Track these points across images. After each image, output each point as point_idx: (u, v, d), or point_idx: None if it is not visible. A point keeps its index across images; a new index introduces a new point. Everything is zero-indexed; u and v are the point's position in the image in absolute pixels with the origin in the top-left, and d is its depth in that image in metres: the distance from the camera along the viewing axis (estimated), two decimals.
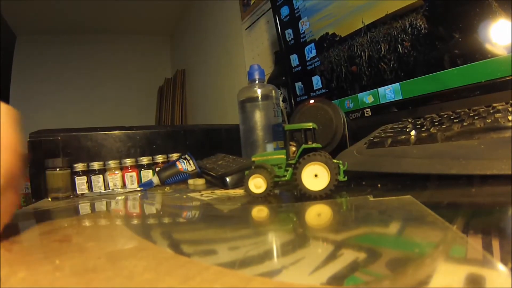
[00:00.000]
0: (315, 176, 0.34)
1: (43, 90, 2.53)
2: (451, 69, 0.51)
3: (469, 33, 0.49)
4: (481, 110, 0.42)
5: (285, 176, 0.39)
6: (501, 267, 0.15)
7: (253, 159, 0.42)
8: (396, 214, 0.27)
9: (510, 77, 0.46)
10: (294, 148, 0.40)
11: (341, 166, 0.36)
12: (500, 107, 0.40)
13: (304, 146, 0.37)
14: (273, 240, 0.25)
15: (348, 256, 0.18)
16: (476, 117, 0.39)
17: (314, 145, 0.37)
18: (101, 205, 0.51)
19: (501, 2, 0.46)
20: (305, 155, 0.36)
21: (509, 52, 0.45)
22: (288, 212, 0.34)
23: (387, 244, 0.21)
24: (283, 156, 0.40)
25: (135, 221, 0.38)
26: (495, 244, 0.18)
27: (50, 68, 2.58)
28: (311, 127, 0.38)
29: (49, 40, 2.58)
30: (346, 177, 0.36)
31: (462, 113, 0.44)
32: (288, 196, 0.42)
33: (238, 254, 0.21)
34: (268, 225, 0.31)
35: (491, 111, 0.39)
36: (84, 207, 0.50)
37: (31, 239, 0.29)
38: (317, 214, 0.31)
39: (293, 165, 0.38)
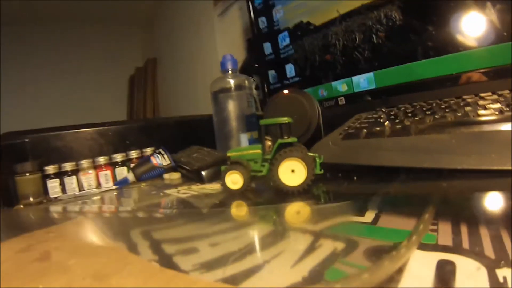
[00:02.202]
0: (292, 172, 0.34)
1: (4, 85, 2.34)
2: (424, 60, 0.52)
3: (442, 26, 0.50)
4: (451, 102, 0.43)
5: (261, 171, 0.38)
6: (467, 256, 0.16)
7: (228, 154, 0.42)
8: None
9: (480, 70, 0.47)
10: (269, 143, 0.39)
11: (317, 160, 0.35)
12: (470, 100, 0.41)
13: (280, 141, 0.37)
14: (254, 236, 0.25)
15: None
16: (447, 110, 0.40)
17: (290, 139, 0.37)
18: (76, 209, 0.48)
19: None
20: (281, 150, 0.35)
21: (480, 45, 0.47)
22: (267, 209, 0.33)
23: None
24: (259, 151, 0.39)
25: (114, 227, 0.36)
26: (464, 236, 0.19)
27: (11, 60, 2.39)
28: (287, 121, 0.38)
29: (11, 31, 2.38)
30: (322, 170, 0.35)
31: (434, 104, 0.45)
32: (265, 190, 0.41)
33: (220, 251, 0.22)
34: (248, 221, 0.31)
35: (461, 104, 0.40)
36: (59, 213, 0.47)
37: (8, 260, 0.26)
38: (296, 211, 0.31)
39: (269, 161, 0.37)
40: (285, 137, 0.37)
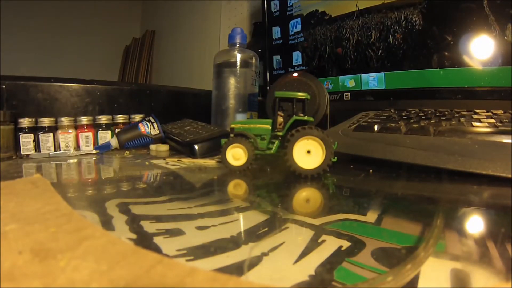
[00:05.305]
0: (308, 153, 0.31)
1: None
2: (438, 69, 0.51)
3: (461, 39, 0.49)
4: (463, 113, 0.43)
5: (270, 149, 0.35)
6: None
7: (232, 126, 0.38)
8: None
9: (491, 88, 0.47)
10: (281, 119, 0.36)
11: (333, 146, 0.33)
12: (482, 114, 0.41)
13: (295, 117, 0.34)
14: (252, 223, 0.21)
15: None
16: (461, 119, 0.39)
17: (306, 118, 0.34)
18: (49, 169, 0.43)
19: (498, 17, 0.46)
20: (296, 128, 0.32)
21: (495, 65, 0.46)
22: (269, 193, 0.30)
23: None
24: (268, 126, 0.36)
25: (81, 193, 0.30)
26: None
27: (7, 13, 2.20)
28: (304, 97, 0.35)
29: None
30: (336, 158, 0.33)
31: (446, 112, 0.44)
32: (270, 171, 0.39)
33: (211, 237, 0.18)
34: (247, 204, 0.27)
35: (474, 116, 0.40)
36: (29, 171, 0.42)
37: None
38: (301, 198, 0.28)
39: (281, 138, 0.35)
40: (300, 114, 0.35)
